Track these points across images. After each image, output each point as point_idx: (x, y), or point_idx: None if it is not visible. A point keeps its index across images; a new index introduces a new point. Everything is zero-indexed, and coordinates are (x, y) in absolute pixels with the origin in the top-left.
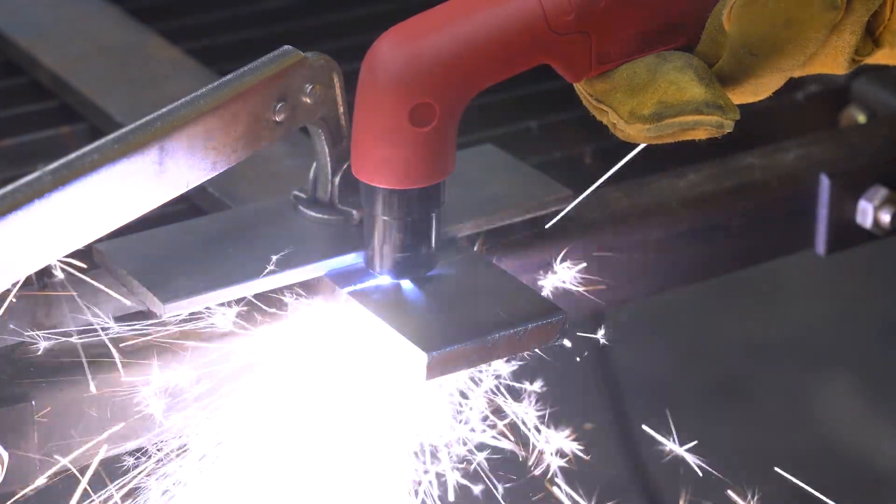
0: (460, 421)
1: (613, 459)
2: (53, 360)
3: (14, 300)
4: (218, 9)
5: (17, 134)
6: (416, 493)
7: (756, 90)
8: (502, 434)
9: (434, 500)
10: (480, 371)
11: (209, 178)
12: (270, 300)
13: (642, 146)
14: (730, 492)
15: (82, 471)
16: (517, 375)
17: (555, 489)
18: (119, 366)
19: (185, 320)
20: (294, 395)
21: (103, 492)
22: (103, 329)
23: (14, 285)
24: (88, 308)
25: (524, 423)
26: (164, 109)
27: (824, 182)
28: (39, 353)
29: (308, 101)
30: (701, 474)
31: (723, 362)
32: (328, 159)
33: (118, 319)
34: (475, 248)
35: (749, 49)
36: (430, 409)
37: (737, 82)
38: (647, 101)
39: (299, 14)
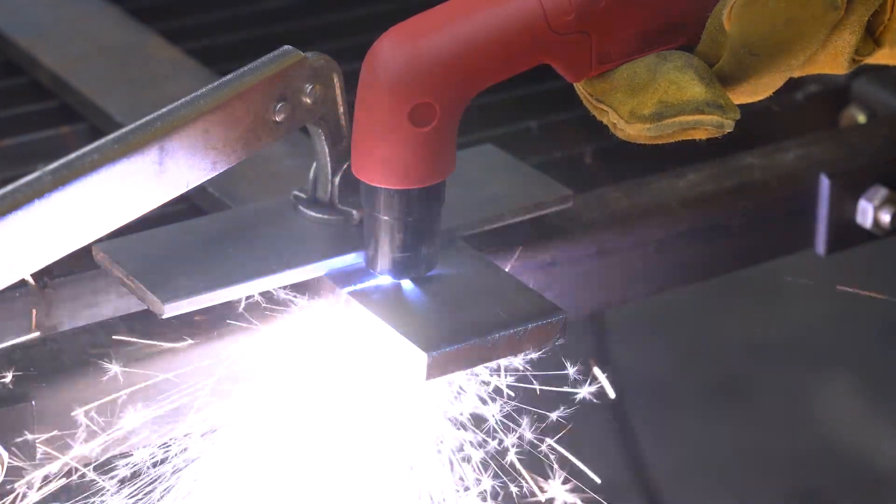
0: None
1: (614, 459)
2: (53, 360)
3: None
4: (218, 9)
5: (17, 134)
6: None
7: (756, 90)
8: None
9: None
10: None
11: (209, 178)
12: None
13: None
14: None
15: (81, 471)
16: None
17: (555, 489)
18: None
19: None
20: (294, 395)
21: (103, 492)
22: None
23: (14, 285)
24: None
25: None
26: (164, 109)
27: (824, 182)
28: (39, 353)
29: (308, 101)
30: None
31: (723, 362)
32: (328, 159)
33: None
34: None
35: (749, 49)
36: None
37: (737, 82)
38: (648, 101)
39: (299, 14)
